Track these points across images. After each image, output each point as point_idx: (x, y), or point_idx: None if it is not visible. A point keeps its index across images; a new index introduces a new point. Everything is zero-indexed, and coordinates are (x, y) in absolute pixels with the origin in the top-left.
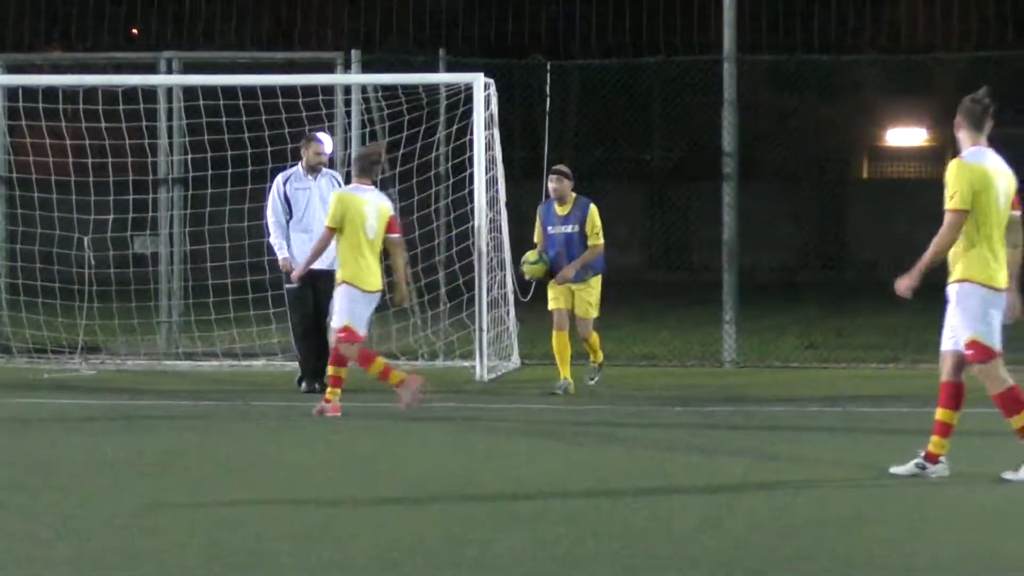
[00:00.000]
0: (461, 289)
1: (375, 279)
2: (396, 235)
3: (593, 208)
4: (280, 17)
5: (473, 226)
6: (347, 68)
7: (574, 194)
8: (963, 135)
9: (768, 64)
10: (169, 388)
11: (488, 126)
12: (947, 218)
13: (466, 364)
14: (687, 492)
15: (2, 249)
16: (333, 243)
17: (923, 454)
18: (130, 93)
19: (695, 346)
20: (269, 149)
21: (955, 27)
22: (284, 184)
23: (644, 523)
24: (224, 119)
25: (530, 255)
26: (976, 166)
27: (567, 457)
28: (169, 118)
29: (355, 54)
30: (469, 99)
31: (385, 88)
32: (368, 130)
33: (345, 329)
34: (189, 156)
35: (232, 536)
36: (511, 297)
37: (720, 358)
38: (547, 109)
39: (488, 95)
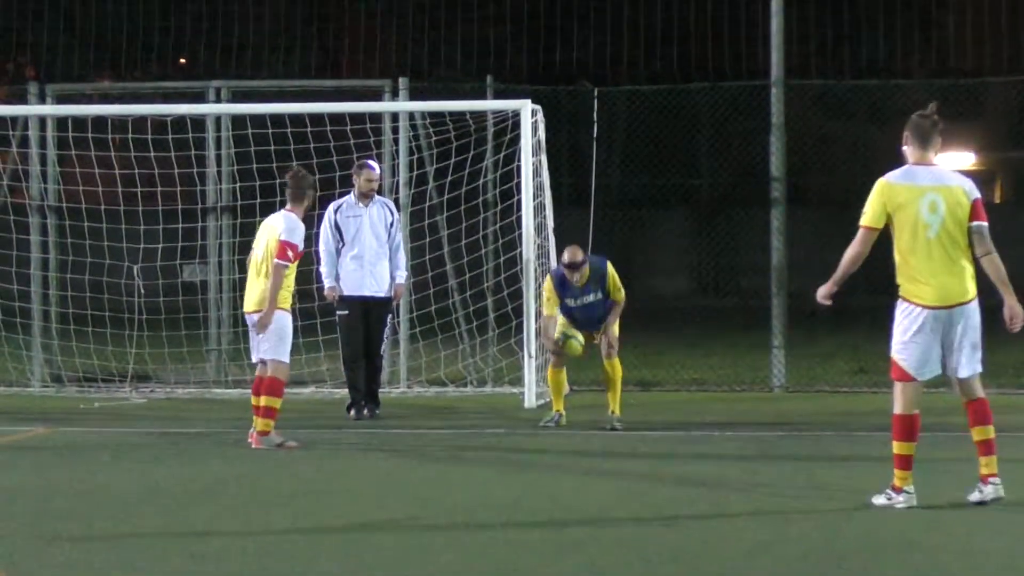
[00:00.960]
0: (510, 316)
1: (248, 300)
2: (276, 260)
3: (609, 267)
4: (327, 46)
5: (521, 252)
6: (395, 96)
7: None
8: (908, 151)
9: (816, 89)
10: (218, 416)
11: (536, 152)
12: (858, 234)
13: (515, 390)
14: (737, 517)
15: (53, 278)
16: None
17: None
18: (179, 122)
19: (744, 371)
20: (317, 177)
21: (1004, 50)
22: (335, 213)
23: (695, 548)
24: (272, 147)
25: (576, 334)
26: (897, 185)
27: (616, 483)
28: (218, 147)
29: (403, 82)
30: (516, 126)
31: (433, 115)
32: (416, 157)
33: None
34: (238, 184)
35: (282, 564)
36: None
37: (769, 383)
38: (594, 135)
39: (536, 121)
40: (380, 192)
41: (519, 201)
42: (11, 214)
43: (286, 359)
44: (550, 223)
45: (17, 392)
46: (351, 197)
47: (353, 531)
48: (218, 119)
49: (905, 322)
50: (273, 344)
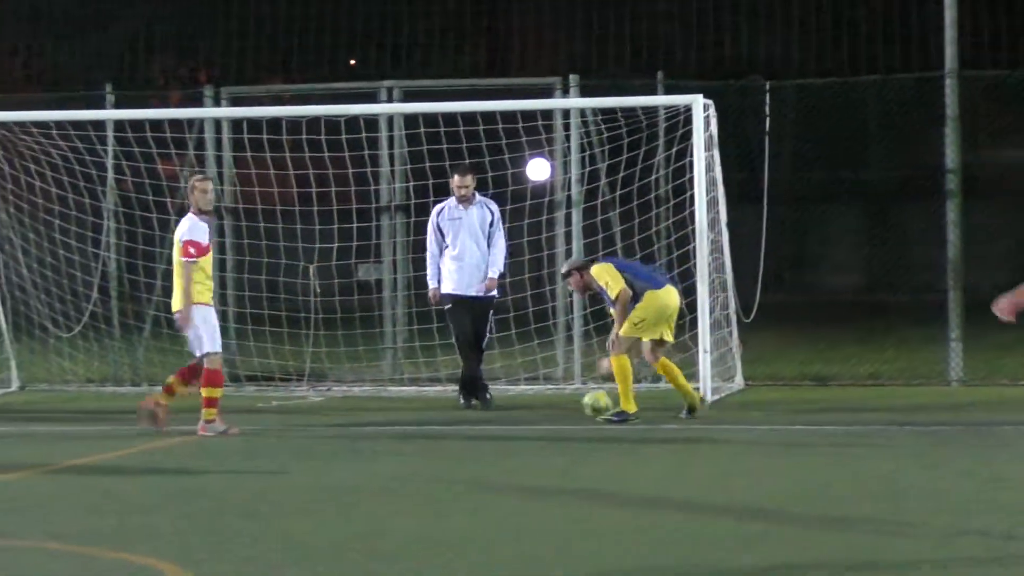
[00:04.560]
0: (683, 311)
1: (172, 301)
2: (182, 258)
3: (595, 268)
4: (496, 45)
5: (694, 248)
6: (566, 93)
7: (585, 279)
8: None
9: (989, 80)
10: (394, 413)
11: (708, 147)
12: None
13: (693, 386)
14: (916, 512)
15: (230, 279)
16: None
17: None
18: (352, 122)
19: (920, 365)
20: (490, 175)
21: None
22: (437, 216)
23: (872, 543)
24: (444, 146)
25: (597, 399)
26: None
27: (793, 477)
28: (390, 146)
29: (573, 79)
30: (688, 121)
31: (604, 112)
32: (587, 154)
33: None
34: (411, 183)
35: (459, 560)
36: (734, 318)
37: (947, 376)
38: (767, 130)
39: (708, 116)
40: (552, 190)
41: (691, 196)
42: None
43: (217, 348)
44: (723, 218)
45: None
46: (452, 200)
47: (533, 527)
48: (390, 119)
49: None
50: (202, 339)
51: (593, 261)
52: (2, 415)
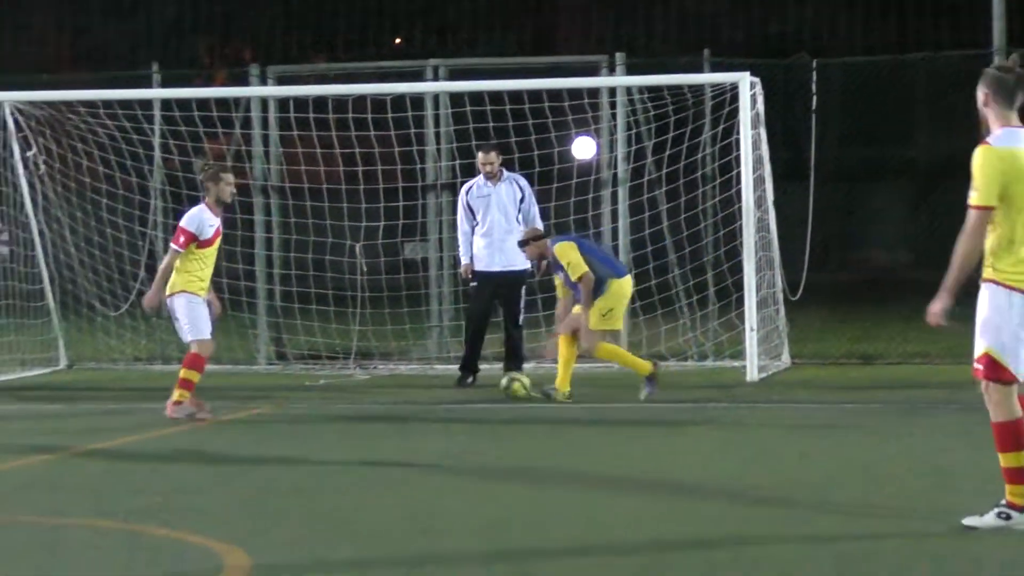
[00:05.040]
0: (730, 289)
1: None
2: (171, 243)
3: (558, 247)
4: (542, 24)
5: (740, 226)
6: (612, 71)
7: (541, 249)
8: (991, 113)
9: None
10: (441, 392)
11: (754, 125)
12: (969, 217)
13: (736, 364)
14: (963, 491)
15: (277, 257)
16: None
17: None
18: (398, 101)
19: (968, 343)
20: (536, 153)
21: None
22: (467, 194)
23: (922, 522)
24: (491, 124)
25: (521, 377)
26: (1006, 151)
27: (840, 456)
28: (436, 124)
29: (619, 57)
30: (734, 99)
31: (650, 90)
32: (634, 132)
33: None
34: (457, 161)
35: (506, 537)
36: (780, 296)
37: None
38: (813, 108)
39: (754, 94)
40: (598, 168)
41: (738, 174)
42: (235, 195)
43: (206, 335)
44: (770, 196)
45: (244, 370)
46: (480, 178)
47: (575, 506)
48: (436, 97)
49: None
50: (189, 327)
51: (548, 234)
52: (50, 393)
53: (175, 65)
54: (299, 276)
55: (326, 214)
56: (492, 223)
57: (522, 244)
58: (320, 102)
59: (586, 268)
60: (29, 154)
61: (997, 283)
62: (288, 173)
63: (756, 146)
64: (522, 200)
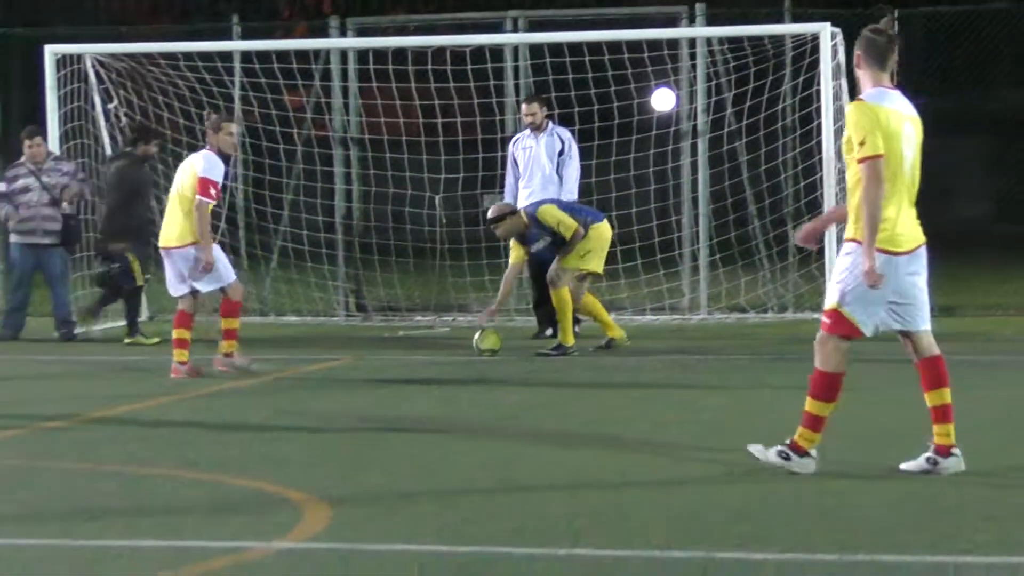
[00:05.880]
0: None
1: (168, 235)
2: (199, 197)
3: (541, 209)
4: None
5: (821, 177)
6: (692, 22)
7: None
8: (863, 74)
9: None
10: (520, 343)
11: (836, 76)
12: (865, 172)
13: (815, 316)
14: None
15: (357, 209)
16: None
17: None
18: (477, 53)
19: None
20: (615, 104)
21: None
22: (513, 145)
23: (1001, 476)
24: (570, 76)
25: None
26: (880, 107)
27: (918, 408)
28: (516, 76)
29: (700, 8)
30: (815, 50)
31: (731, 41)
32: (713, 83)
33: None
34: None
35: (587, 492)
36: None
37: None
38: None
39: (835, 45)
40: (677, 120)
41: (819, 126)
42: (315, 147)
43: (234, 278)
44: None
45: (324, 322)
46: (528, 130)
47: (661, 458)
48: (516, 49)
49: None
50: (215, 274)
51: (515, 211)
52: (134, 345)
53: (255, 17)
54: (378, 228)
55: (405, 166)
56: (531, 175)
57: (492, 223)
58: (399, 54)
59: (576, 223)
60: (110, 106)
61: (860, 243)
62: (367, 125)
63: (837, 97)
64: (560, 152)
